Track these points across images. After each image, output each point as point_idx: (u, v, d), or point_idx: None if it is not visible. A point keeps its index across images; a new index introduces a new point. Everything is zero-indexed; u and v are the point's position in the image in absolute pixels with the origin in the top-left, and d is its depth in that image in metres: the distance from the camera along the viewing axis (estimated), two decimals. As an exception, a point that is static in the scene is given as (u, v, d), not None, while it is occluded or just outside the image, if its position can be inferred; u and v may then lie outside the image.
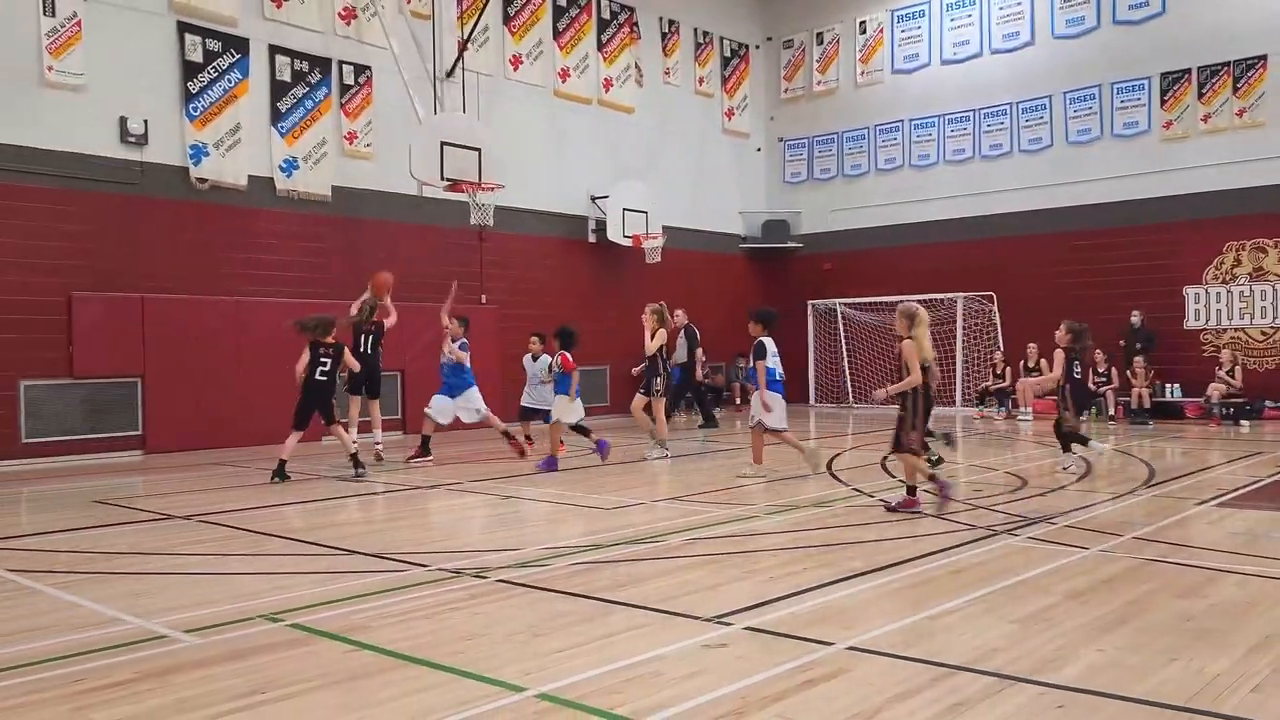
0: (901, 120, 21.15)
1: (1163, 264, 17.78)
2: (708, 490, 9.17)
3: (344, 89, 15.54)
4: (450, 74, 16.30)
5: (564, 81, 18.78)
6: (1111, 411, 16.92)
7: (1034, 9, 19.43)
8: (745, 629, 4.57)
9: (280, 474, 10.11)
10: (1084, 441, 10.38)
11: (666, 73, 20.90)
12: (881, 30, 21.49)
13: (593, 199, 19.03)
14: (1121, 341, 17.20)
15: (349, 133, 15.57)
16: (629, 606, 5.02)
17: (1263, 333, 16.99)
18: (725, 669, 4.01)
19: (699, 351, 17.65)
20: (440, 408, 11.73)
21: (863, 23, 21.72)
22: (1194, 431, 15.04)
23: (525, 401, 12.66)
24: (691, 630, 4.56)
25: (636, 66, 20.11)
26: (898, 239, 20.88)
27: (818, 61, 22.43)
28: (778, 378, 9.98)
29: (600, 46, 19.37)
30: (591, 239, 18.99)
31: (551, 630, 4.59)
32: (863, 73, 21.75)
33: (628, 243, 18.80)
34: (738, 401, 20.76)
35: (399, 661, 4.15)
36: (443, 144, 14.85)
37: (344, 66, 15.55)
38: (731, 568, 5.92)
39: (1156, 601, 4.98)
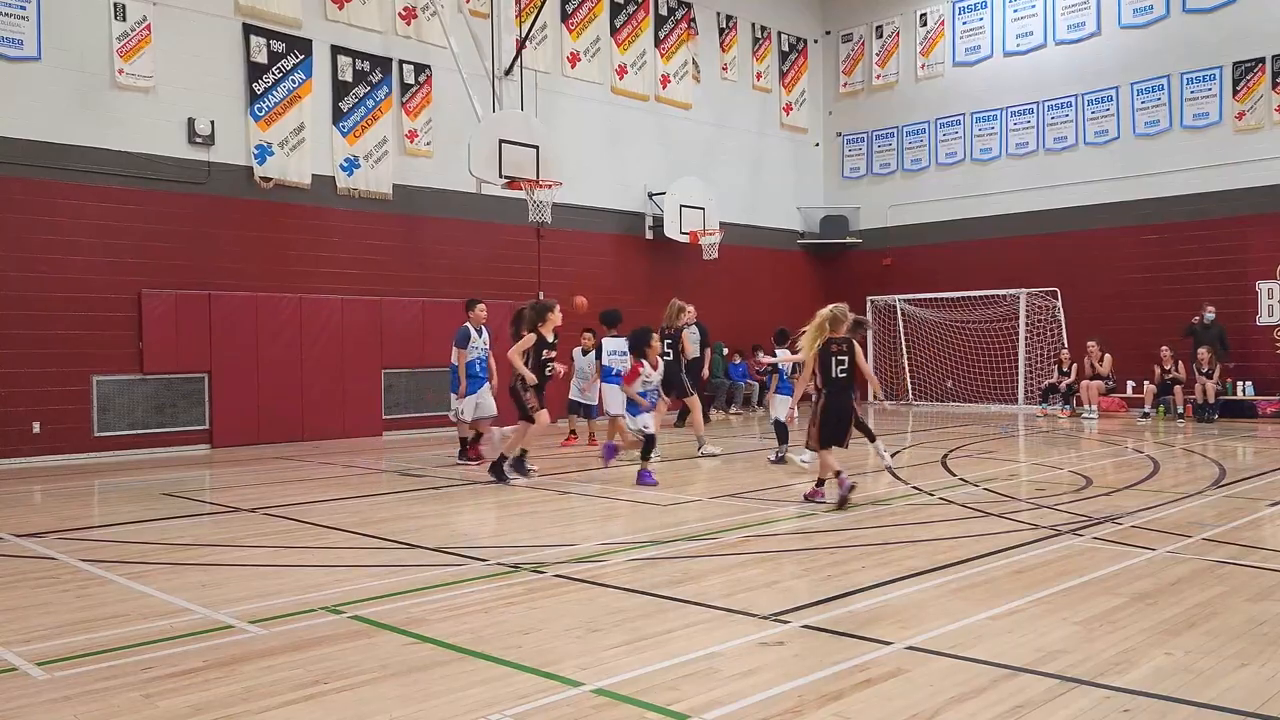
0: (963, 114, 20.80)
1: (1234, 259, 17.26)
2: (762, 488, 9.13)
3: (404, 88, 15.75)
4: (509, 72, 16.42)
5: (621, 78, 18.80)
6: (1181, 409, 16.48)
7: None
8: (802, 627, 4.55)
9: (518, 468, 9.83)
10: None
11: (724, 68, 20.82)
12: (942, 22, 21.15)
13: (650, 195, 19.03)
14: (1190, 337, 16.72)
15: (409, 131, 15.77)
16: (685, 603, 5.02)
17: (1341, 329, 16.42)
18: (782, 667, 4.00)
19: (708, 350, 17.53)
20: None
21: (923, 15, 21.41)
22: (1267, 430, 14.59)
23: (574, 396, 12.73)
24: (748, 628, 4.54)
25: (694, 63, 20.06)
26: (958, 234, 20.56)
27: (877, 55, 22.17)
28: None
29: (657, 43, 19.36)
30: (649, 235, 19.00)
31: (608, 626, 4.61)
32: (923, 66, 21.44)
33: (685, 239, 18.78)
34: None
35: (457, 654, 4.20)
36: (501, 142, 14.97)
37: (404, 66, 15.75)
38: (788, 565, 5.89)
39: (1227, 605, 4.85)
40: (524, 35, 16.31)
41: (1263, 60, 17.05)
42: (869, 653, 4.14)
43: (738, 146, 21.09)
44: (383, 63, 15.50)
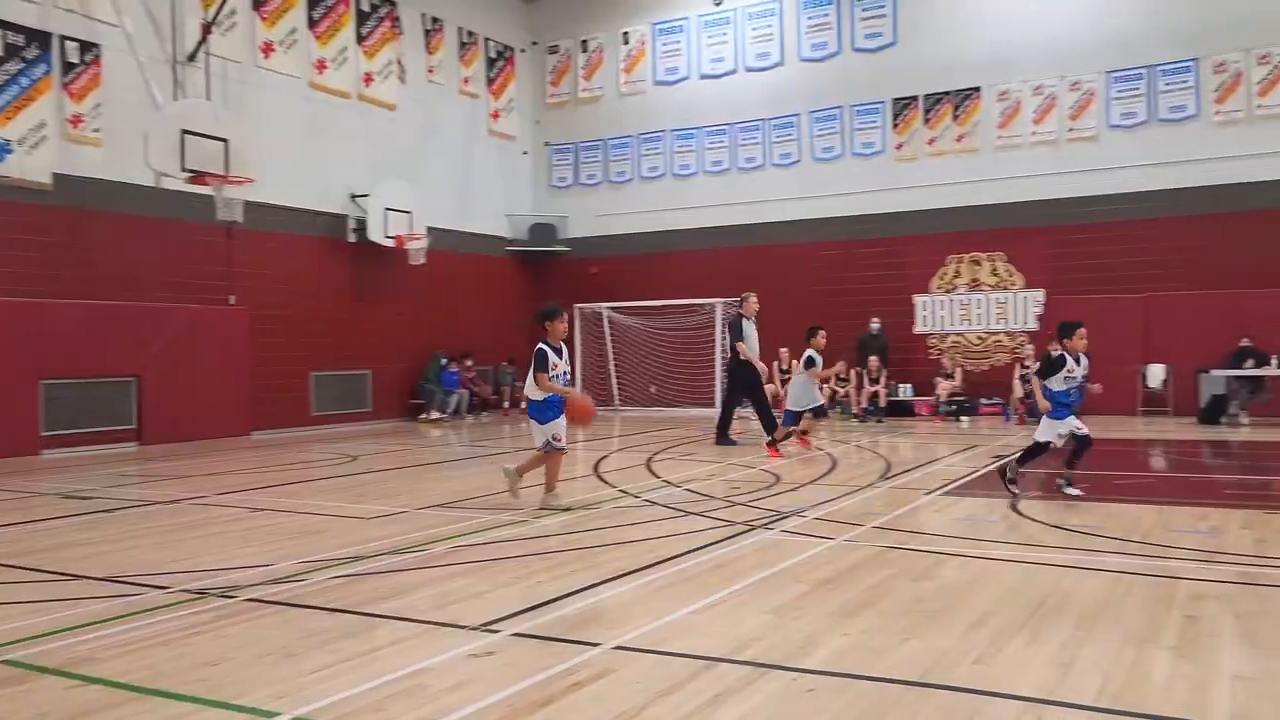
0: (664, 131, 21.78)
1: (897, 274, 19.28)
2: (470, 497, 9.05)
3: (67, 67, 14.15)
4: (192, 58, 15.21)
5: (321, 73, 17.99)
6: (854, 410, 18.14)
7: (784, 32, 20.55)
8: (513, 635, 4.53)
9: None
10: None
11: (430, 70, 20.49)
12: (644, 42, 22.04)
13: (353, 197, 18.34)
14: (862, 344, 18.46)
15: (73, 116, 14.20)
16: (392, 619, 4.85)
17: (979, 338, 18.77)
18: (492, 677, 3.96)
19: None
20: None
21: (626, 34, 22.19)
22: (924, 427, 16.39)
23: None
24: (458, 640, 4.46)
25: (399, 63, 19.57)
26: (661, 245, 21.47)
27: (583, 69, 22.71)
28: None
29: (360, 40, 18.70)
30: (352, 239, 18.29)
31: (307, 649, 4.36)
32: (626, 82, 22.22)
33: (390, 243, 18.26)
34: (505, 406, 20.65)
35: (132, 694, 3.80)
36: (184, 133, 13.84)
37: (67, 43, 14.16)
38: (500, 574, 5.85)
39: (895, 586, 5.37)
40: (210, 19, 15.18)
41: (917, 98, 19.18)
42: (578, 656, 4.19)
43: (446, 151, 20.82)
44: (40, 37, 13.86)
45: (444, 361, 19.33)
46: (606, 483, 9.83)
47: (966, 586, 5.33)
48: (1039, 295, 18.22)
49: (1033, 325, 18.17)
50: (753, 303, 13.53)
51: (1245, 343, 15.72)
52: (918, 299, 19.19)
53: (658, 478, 10.12)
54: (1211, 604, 4.86)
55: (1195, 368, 16.01)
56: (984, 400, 18.09)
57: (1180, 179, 16.93)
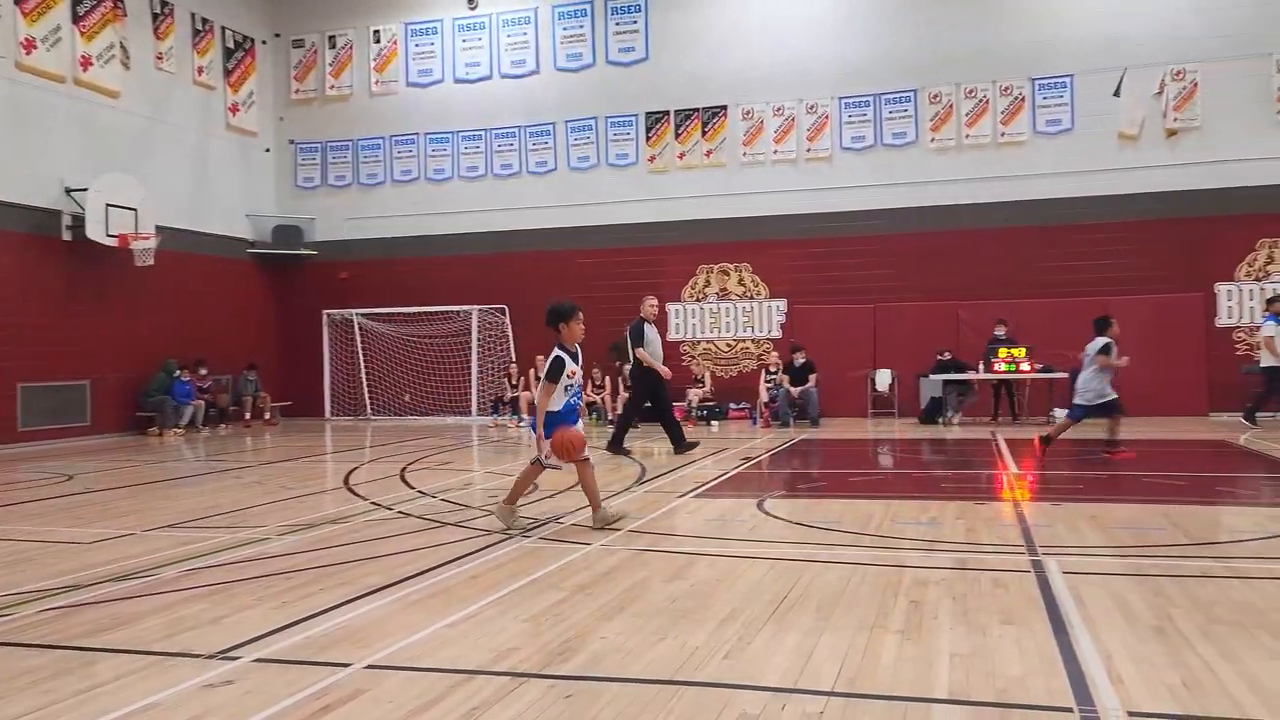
0: (417, 134, 21.31)
1: (652, 282, 19.82)
2: (206, 516, 8.44)
3: None
4: None
5: (29, 54, 16.24)
6: (610, 417, 18.45)
7: (539, 41, 20.66)
8: (254, 661, 4.25)
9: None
10: None
11: (160, 57, 19.00)
12: (395, 42, 21.48)
13: (68, 191, 16.68)
14: (614, 352, 18.80)
15: None
16: (115, 652, 4.43)
17: (728, 345, 19.65)
18: (231, 708, 3.69)
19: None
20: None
21: (376, 32, 21.54)
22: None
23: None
24: (192, 670, 4.13)
25: (122, 46, 17.99)
26: (415, 250, 20.97)
27: (330, 65, 21.83)
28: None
29: (76, 19, 17.03)
30: (67, 237, 16.63)
31: (14, 692, 3.90)
32: (378, 82, 21.57)
33: (113, 242, 16.75)
34: (247, 416, 19.47)
35: None
36: None
37: None
38: (239, 596, 5.48)
39: (650, 587, 5.49)
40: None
41: (668, 113, 19.85)
42: (328, 678, 3.99)
43: (177, 145, 19.39)
44: None
45: (176, 371, 17.95)
46: (357, 495, 9.47)
47: (717, 584, 5.53)
48: (782, 304, 19.32)
49: (776, 333, 19.23)
50: (651, 306, 12.87)
51: (945, 355, 17.26)
52: (671, 307, 19.84)
53: (412, 488, 9.86)
54: (932, 589, 5.30)
55: (917, 372, 17.49)
56: (733, 405, 18.93)
57: (902, 199, 18.48)
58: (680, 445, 12.33)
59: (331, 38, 21.82)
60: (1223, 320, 17.23)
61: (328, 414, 21.11)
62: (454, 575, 5.87)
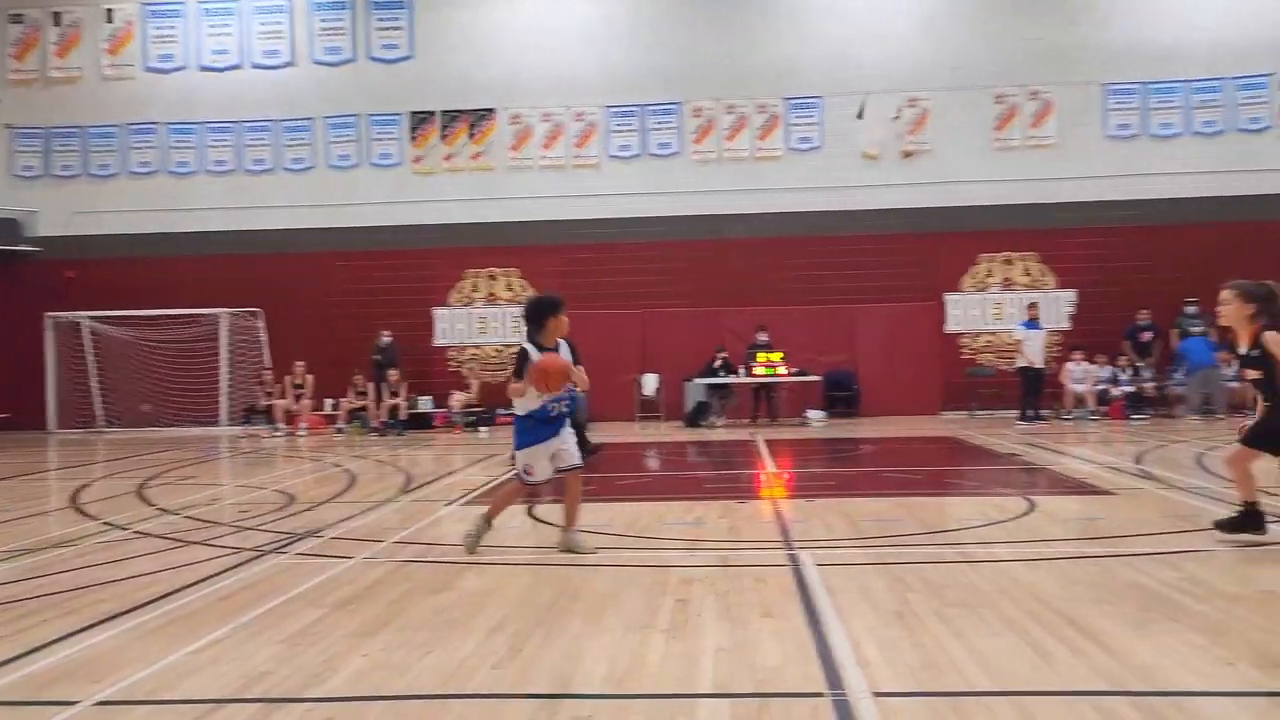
0: (157, 123, 19.78)
1: (417, 286, 19.37)
2: (-94, 543, 7.44)
3: None
4: None
5: None
6: (373, 424, 17.85)
7: (294, 31, 19.71)
8: (-43, 707, 3.76)
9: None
10: None
11: None
12: (131, 23, 19.85)
13: None
14: (376, 358, 18.22)
15: None
16: None
17: (497, 350, 19.49)
18: (-73, 763, 3.24)
19: None
20: None
21: (110, 11, 19.82)
22: (443, 439, 16.61)
23: None
24: (-123, 723, 3.61)
25: None
26: (155, 249, 19.41)
27: (55, 44, 19.87)
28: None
29: None
30: None
31: None
32: (111, 65, 19.84)
33: None
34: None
35: None
36: None
37: None
38: (-61, 635, 4.84)
39: (415, 600, 5.32)
40: None
41: (434, 114, 19.47)
42: (51, 718, 3.59)
43: None
44: None
45: None
46: (87, 515, 8.63)
47: (486, 594, 5.44)
48: (549, 310, 19.37)
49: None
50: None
51: (721, 358, 17.95)
52: (437, 311, 19.45)
53: (152, 505, 9.10)
54: (697, 586, 5.45)
55: (682, 377, 18.02)
56: (501, 411, 18.78)
57: (667, 208, 19.01)
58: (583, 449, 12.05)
59: (56, 14, 19.88)
60: (951, 327, 18.86)
61: (52, 427, 19.17)
62: (199, 598, 5.46)
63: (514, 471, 6.67)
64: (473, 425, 18.09)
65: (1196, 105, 18.35)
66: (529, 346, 6.26)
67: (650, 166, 19.24)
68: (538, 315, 6.36)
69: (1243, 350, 6.00)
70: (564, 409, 6.38)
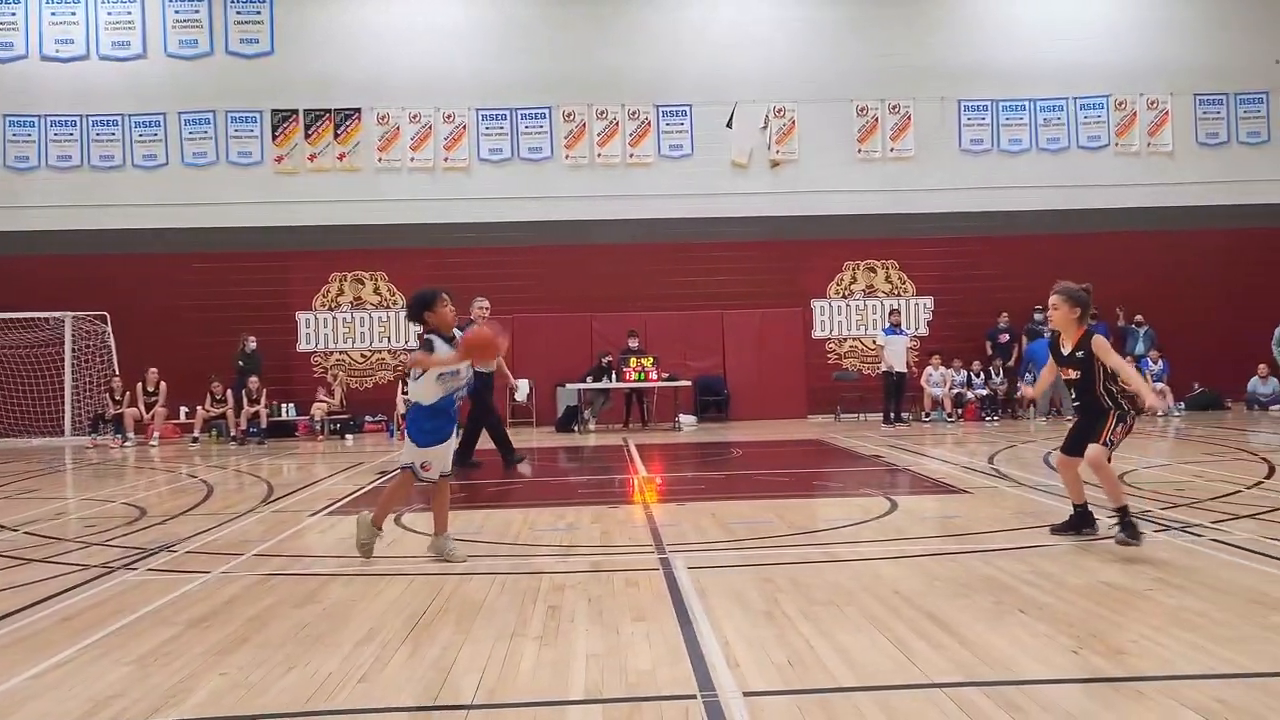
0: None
1: (280, 289, 18.72)
2: None
3: None
4: None
5: None
6: (233, 433, 17.16)
7: (146, 21, 18.82)
8: None
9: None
10: None
11: None
12: (-37, 6, 18.60)
13: None
14: (240, 363, 17.54)
15: None
16: None
17: (363, 355, 19.02)
18: None
19: None
20: None
21: (-60, -7, 18.54)
22: (307, 447, 16.10)
23: None
24: None
25: None
26: (-10, 248, 18.22)
27: (-123, 25, 18.45)
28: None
29: None
30: None
31: None
32: (-60, 50, 18.54)
33: None
34: None
35: None
36: None
37: None
38: None
39: (276, 614, 5.12)
40: None
41: (297, 112, 18.88)
42: None
43: None
44: None
45: None
46: None
47: (352, 605, 5.28)
48: (420, 314, 19.01)
49: (415, 344, 18.85)
50: (480, 309, 11.69)
51: (605, 361, 17.95)
52: (301, 316, 18.86)
53: None
54: (569, 593, 5.42)
55: (554, 382, 17.96)
56: (369, 418, 18.34)
57: (539, 212, 18.94)
58: (467, 456, 11.56)
59: (-121, -7, 18.47)
60: (817, 333, 19.40)
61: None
62: (41, 619, 5.12)
63: (402, 467, 6.41)
64: (339, 432, 17.60)
65: (1042, 123, 19.42)
66: (433, 336, 6.09)
67: (522, 170, 19.13)
68: (416, 310, 6.25)
69: (1066, 350, 6.24)
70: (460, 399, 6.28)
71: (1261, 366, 17.94)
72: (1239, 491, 8.40)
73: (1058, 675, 3.89)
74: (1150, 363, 17.60)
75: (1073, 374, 6.21)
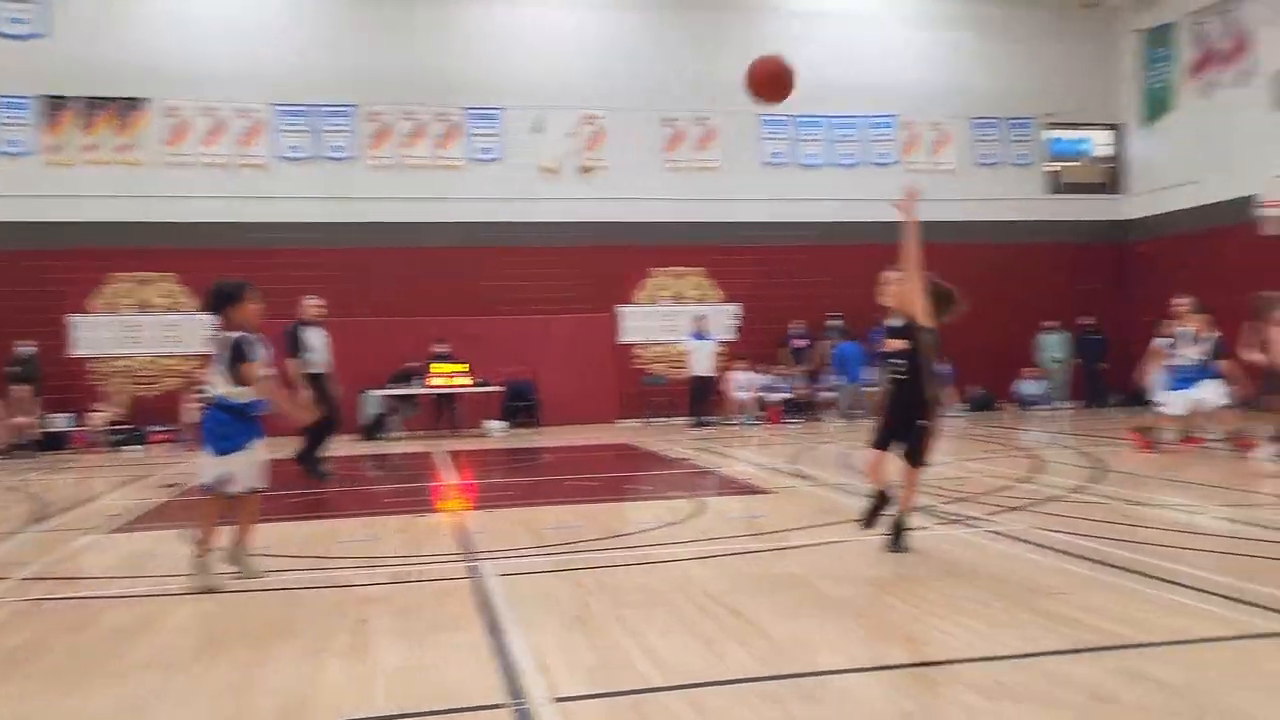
0: None
1: (51, 290, 17.25)
2: None
3: None
4: None
5: None
6: (27, 443, 15.68)
7: (-106, -8, 16.95)
8: None
9: None
10: None
11: None
12: None
13: None
14: (14, 370, 16.06)
15: None
16: None
17: (150, 360, 17.78)
18: None
19: None
20: None
21: None
22: (86, 460, 14.92)
23: None
24: None
25: None
26: None
27: None
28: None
29: None
30: None
31: None
32: None
33: None
34: None
35: None
36: None
37: None
38: None
39: (48, 643, 4.71)
40: None
41: (71, 99, 17.45)
42: None
43: None
44: None
45: None
46: None
47: (135, 631, 4.92)
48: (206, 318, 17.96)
49: (212, 340, 17.72)
50: (314, 306, 11.28)
51: (412, 365, 17.53)
52: (76, 319, 17.44)
53: None
54: (376, 605, 5.25)
55: (359, 388, 17.37)
56: (156, 428, 17.16)
57: (342, 214, 18.28)
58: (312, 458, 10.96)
59: None
60: (625, 338, 19.64)
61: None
62: None
63: (204, 488, 5.93)
64: (122, 443, 16.41)
65: (837, 139, 20.44)
66: (244, 338, 5.82)
67: (324, 170, 18.43)
68: (217, 303, 5.96)
69: (893, 323, 6.25)
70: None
71: (1025, 370, 19.72)
72: (1010, 486, 9.12)
73: (853, 665, 4.09)
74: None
75: (897, 344, 6.19)
